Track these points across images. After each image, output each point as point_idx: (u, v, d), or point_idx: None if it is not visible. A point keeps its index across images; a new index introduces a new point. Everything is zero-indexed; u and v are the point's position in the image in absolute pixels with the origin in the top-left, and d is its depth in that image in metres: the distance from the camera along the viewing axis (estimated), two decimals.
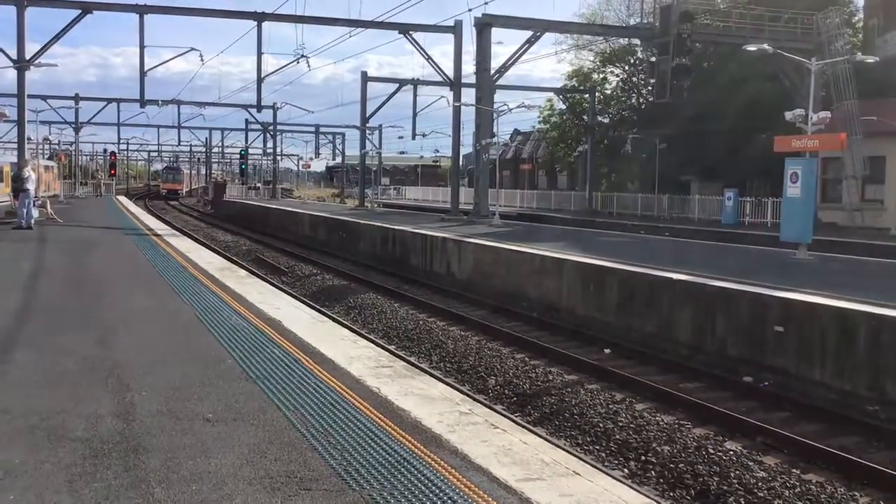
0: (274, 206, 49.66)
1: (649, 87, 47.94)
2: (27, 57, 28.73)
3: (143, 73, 34.26)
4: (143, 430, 5.46)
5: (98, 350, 7.87)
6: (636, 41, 44.30)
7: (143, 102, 37.73)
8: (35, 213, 25.69)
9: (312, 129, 76.69)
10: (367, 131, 52.24)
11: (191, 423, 5.64)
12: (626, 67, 53.11)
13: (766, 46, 23.26)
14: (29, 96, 31.24)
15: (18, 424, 5.52)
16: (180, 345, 8.18)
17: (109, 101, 59.31)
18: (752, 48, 23.76)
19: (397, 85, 50.34)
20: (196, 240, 28.23)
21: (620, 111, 54.19)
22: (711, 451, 8.73)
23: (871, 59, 26.26)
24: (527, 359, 13.05)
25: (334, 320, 12.73)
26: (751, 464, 8.43)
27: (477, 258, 20.94)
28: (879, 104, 32.38)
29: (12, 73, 29.17)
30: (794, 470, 8.32)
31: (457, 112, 36.57)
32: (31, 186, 24.91)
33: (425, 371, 10.21)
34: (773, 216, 33.53)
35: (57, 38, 30.37)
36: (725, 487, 7.86)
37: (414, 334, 15.23)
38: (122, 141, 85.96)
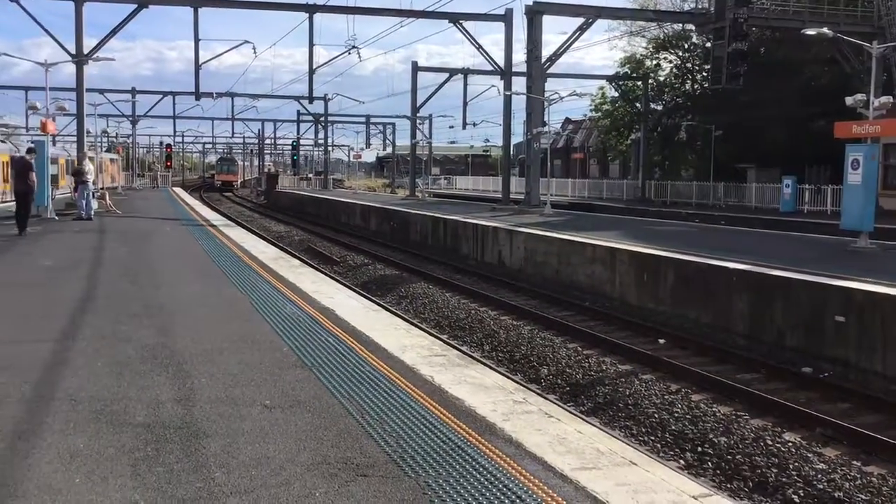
0: (325, 197, 50.09)
1: (704, 73, 47.13)
2: (85, 51, 29.33)
3: (197, 66, 34.71)
4: (203, 416, 5.56)
5: (158, 338, 8.02)
6: (690, 26, 43.51)
7: (197, 95, 38.17)
8: (94, 204, 26.35)
9: (363, 119, 77.10)
10: (418, 121, 52.35)
11: (249, 410, 5.73)
12: (681, 53, 52.27)
13: (825, 30, 22.68)
14: (87, 90, 31.93)
15: (82, 410, 5.66)
16: (237, 333, 8.30)
17: (165, 94, 60.27)
18: (811, 32, 23.19)
19: (447, 74, 50.28)
20: (250, 230, 28.61)
21: (674, 98, 53.39)
22: (769, 443, 8.59)
23: None
24: (579, 348, 12.98)
25: (386, 309, 12.80)
26: (810, 455, 8.28)
27: (528, 247, 20.87)
28: None
29: (71, 68, 29.81)
30: (854, 462, 8.15)
31: (507, 101, 36.42)
32: (90, 178, 25.61)
33: (478, 360, 10.22)
34: (833, 204, 32.78)
35: (114, 32, 30.92)
36: (784, 479, 7.73)
37: (466, 323, 15.25)
38: (177, 133, 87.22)
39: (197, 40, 33.81)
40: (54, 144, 40.27)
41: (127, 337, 8.02)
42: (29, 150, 21.96)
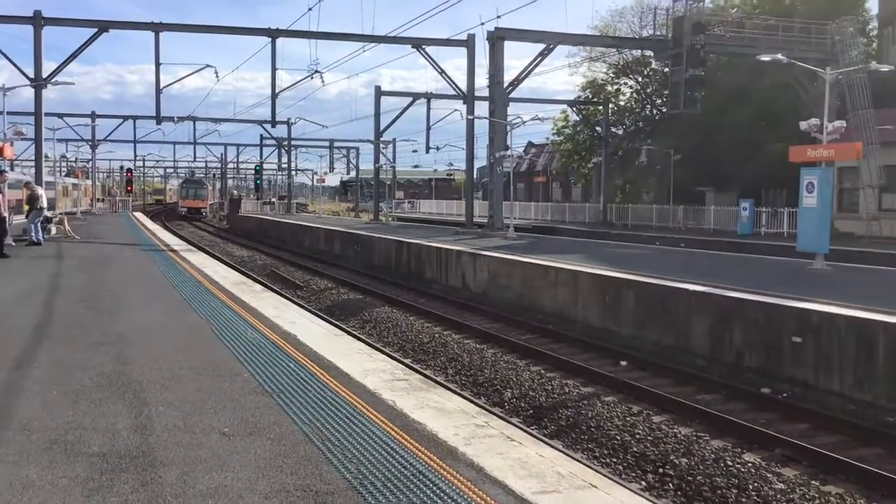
0: (289, 221, 49.86)
1: (663, 99, 47.91)
2: (44, 75, 29.04)
3: (158, 90, 34.52)
4: (160, 445, 5.47)
5: (115, 365, 7.90)
6: (649, 53, 44.25)
7: (158, 119, 37.97)
8: (53, 229, 26.04)
9: (327, 143, 77.04)
10: (381, 145, 52.51)
11: (207, 437, 5.65)
12: (640, 79, 53.10)
13: (780, 56, 23.20)
14: (46, 114, 31.66)
15: (36, 440, 5.55)
16: (196, 359, 8.20)
17: (126, 118, 59.88)
18: (765, 58, 23.71)
19: (411, 99, 50.57)
20: (212, 255, 28.37)
21: (635, 122, 54.17)
22: (730, 463, 8.67)
23: (885, 68, 26.12)
24: (542, 371, 13.01)
25: (349, 334, 12.74)
26: (769, 476, 8.36)
27: (492, 271, 20.94)
28: (895, 113, 32.20)
29: (29, 92, 29.53)
30: (813, 482, 8.24)
31: (470, 125, 36.64)
32: (44, 205, 25.37)
33: (441, 384, 10.19)
34: (790, 226, 33.39)
35: (73, 56, 30.72)
36: (744, 500, 7.80)
37: (429, 347, 15.23)
38: (138, 157, 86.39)
39: (158, 64, 33.67)
40: (12, 169, 39.64)
41: (83, 365, 7.89)
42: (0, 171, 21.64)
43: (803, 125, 19.13)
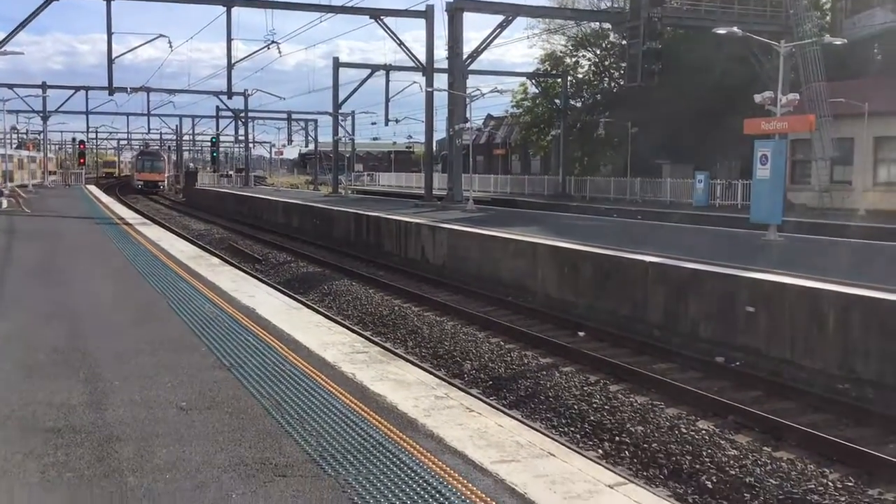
0: (247, 194, 49.34)
1: (621, 71, 48.04)
2: None
3: (111, 61, 33.78)
4: (116, 420, 5.42)
5: (69, 340, 7.79)
6: (607, 25, 44.33)
7: (111, 90, 37.24)
8: (3, 203, 25.49)
9: (284, 115, 76.06)
10: (340, 118, 52.02)
11: (164, 412, 5.62)
12: (598, 52, 53.22)
13: (735, 29, 23.39)
14: None
15: None
16: (153, 334, 8.12)
17: (77, 88, 58.38)
18: (721, 31, 23.90)
19: (369, 71, 50.14)
20: (168, 228, 27.99)
21: (593, 95, 54.32)
22: (684, 431, 8.84)
23: (839, 41, 26.49)
24: (502, 343, 13.10)
25: (309, 307, 12.70)
26: (723, 442, 8.54)
27: (451, 243, 20.96)
28: (847, 86, 32.71)
29: None
30: (765, 448, 8.44)
31: (429, 97, 36.47)
32: None
33: (400, 356, 10.21)
34: (744, 198, 33.87)
35: (23, 25, 29.88)
36: (698, 466, 7.97)
37: (389, 320, 15.24)
38: (91, 129, 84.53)
39: (110, 33, 32.95)
40: None
41: (36, 339, 7.77)
42: None
43: (758, 98, 19.35)
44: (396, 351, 11.86)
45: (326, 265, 22.43)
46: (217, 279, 12.14)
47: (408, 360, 9.67)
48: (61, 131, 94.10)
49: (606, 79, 54.07)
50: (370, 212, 27.93)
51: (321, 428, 5.34)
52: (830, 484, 7.50)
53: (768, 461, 8.04)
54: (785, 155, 19.26)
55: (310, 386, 6.33)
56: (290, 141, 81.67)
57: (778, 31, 32.80)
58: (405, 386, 6.44)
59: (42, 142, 72.12)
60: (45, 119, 60.86)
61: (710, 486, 7.58)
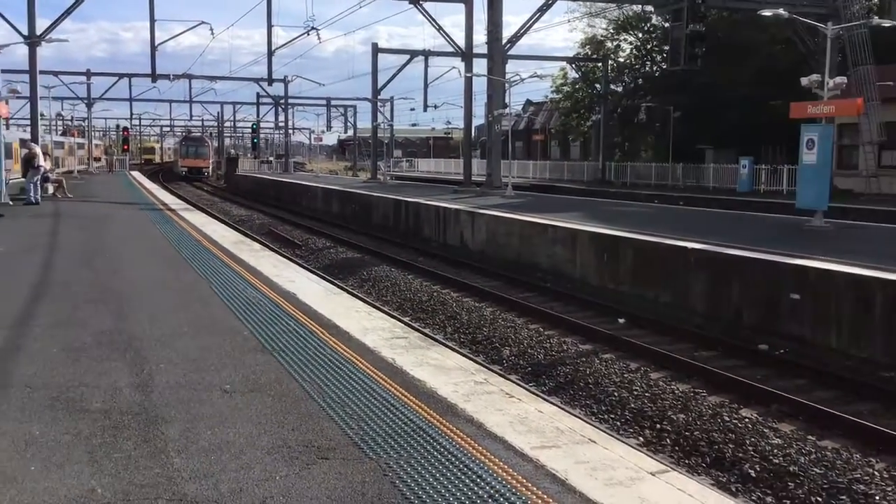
0: (286, 180, 49.71)
1: (663, 55, 47.47)
2: (38, 33, 28.70)
3: (153, 48, 34.29)
4: (162, 402, 5.51)
5: (115, 323, 7.92)
6: (650, 8, 43.72)
7: (154, 77, 37.82)
8: (50, 188, 26.07)
9: (324, 102, 76.46)
10: (379, 104, 52.10)
11: (209, 394, 5.69)
12: (640, 35, 52.57)
13: (781, 11, 22.94)
14: (41, 72, 31.27)
15: (38, 397, 5.58)
16: (197, 318, 8.23)
17: (121, 76, 59.22)
18: (766, 13, 23.45)
19: (408, 56, 50.04)
20: (210, 214, 28.31)
21: (634, 79, 53.73)
22: (727, 419, 8.74)
23: (887, 23, 25.86)
24: (541, 329, 13.06)
25: (348, 292, 12.77)
26: (766, 431, 8.43)
27: (490, 229, 20.92)
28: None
29: (24, 50, 29.19)
30: (809, 437, 8.31)
31: (468, 83, 36.33)
32: (41, 164, 25.36)
33: (440, 342, 10.23)
34: (789, 183, 33.30)
35: (67, 13, 30.32)
36: (741, 455, 7.87)
37: (428, 306, 15.27)
38: (134, 116, 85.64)
39: (153, 21, 33.39)
40: (7, 128, 39.36)
41: (83, 322, 7.91)
42: None
43: (804, 81, 18.96)
44: (436, 336, 11.87)
45: (365, 251, 22.53)
46: (258, 264, 12.26)
47: (447, 346, 9.68)
48: (105, 118, 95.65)
49: (648, 62, 53.41)
50: (409, 198, 27.98)
51: (362, 412, 5.37)
52: (877, 473, 7.37)
53: (813, 450, 7.92)
54: (832, 139, 18.88)
55: (350, 370, 6.37)
56: (329, 127, 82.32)
57: (825, 13, 32.12)
58: (445, 371, 6.45)
59: (86, 128, 73.31)
60: (89, 106, 61.95)
61: (753, 474, 7.49)
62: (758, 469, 7.57)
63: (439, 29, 36.32)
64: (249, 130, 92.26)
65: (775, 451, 7.90)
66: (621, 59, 54.10)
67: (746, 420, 8.74)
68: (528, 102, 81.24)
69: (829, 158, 18.96)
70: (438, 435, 4.97)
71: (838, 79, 18.76)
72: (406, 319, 13.20)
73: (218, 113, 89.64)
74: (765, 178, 36.84)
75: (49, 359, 6.56)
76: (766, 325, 12.10)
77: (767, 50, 38.77)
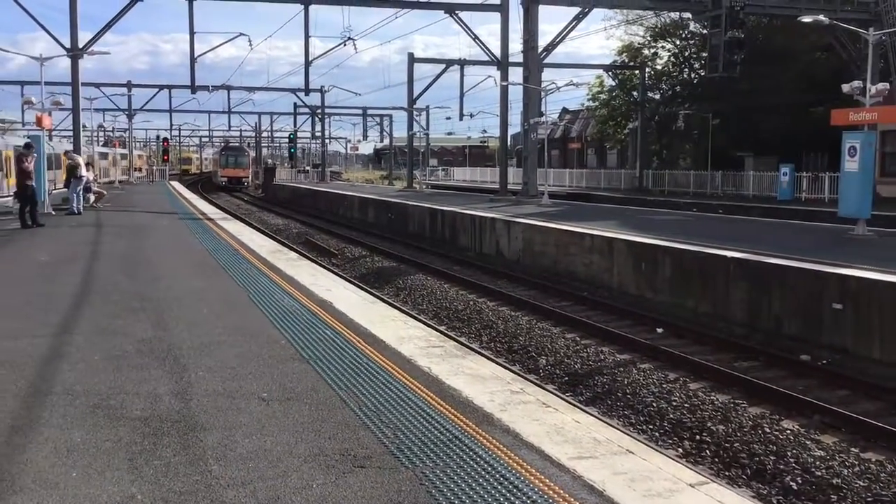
0: (323, 189, 50.05)
1: (702, 62, 46.97)
2: (80, 45, 29.24)
3: (193, 60, 34.68)
4: (200, 410, 5.55)
5: (155, 331, 8.02)
6: (688, 15, 43.34)
7: (193, 88, 38.20)
8: (91, 198, 26.57)
9: (360, 111, 76.98)
10: (415, 112, 52.38)
11: (246, 403, 5.73)
12: (678, 42, 52.11)
13: (821, 17, 22.67)
14: (82, 84, 31.87)
15: (79, 404, 5.66)
16: (234, 326, 8.30)
17: (161, 87, 60.21)
18: (807, 19, 23.17)
19: (444, 65, 50.23)
20: (247, 223, 28.59)
21: (672, 87, 53.26)
22: (767, 431, 8.60)
23: None
24: (578, 338, 12.98)
25: (384, 301, 12.81)
26: (808, 443, 8.29)
27: (526, 238, 20.86)
28: None
29: (66, 62, 29.77)
30: (853, 449, 8.16)
31: (504, 91, 36.34)
32: (83, 174, 25.86)
33: (476, 351, 10.23)
34: (831, 191, 32.73)
35: (109, 26, 30.82)
36: (782, 466, 7.74)
37: (464, 315, 15.25)
38: (173, 127, 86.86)
39: (192, 33, 33.82)
40: (50, 139, 40.18)
41: (124, 331, 8.02)
42: (27, 146, 21.96)
43: (846, 88, 18.70)
44: (472, 346, 11.86)
45: (401, 260, 22.59)
46: (295, 273, 12.34)
47: (483, 355, 9.66)
48: (146, 129, 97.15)
49: (686, 70, 52.94)
50: (445, 206, 28.01)
51: (398, 421, 5.37)
52: None
53: (856, 462, 7.77)
54: (874, 147, 18.55)
55: (386, 379, 6.37)
56: (365, 136, 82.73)
57: (865, 18, 31.65)
58: (481, 380, 6.43)
59: (127, 139, 74.47)
60: (130, 117, 62.88)
61: (794, 487, 7.36)
62: (800, 481, 7.44)
63: (475, 38, 36.42)
64: (286, 140, 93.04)
65: (817, 462, 7.76)
66: (659, 67, 53.66)
67: (788, 431, 8.60)
68: (565, 110, 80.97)
69: (872, 166, 18.64)
70: (474, 444, 4.95)
71: (880, 85, 18.49)
72: (442, 328, 13.20)
73: (256, 123, 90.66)
74: (806, 185, 36.27)
75: (90, 366, 6.65)
76: (808, 334, 11.90)
77: (808, 56, 38.28)
